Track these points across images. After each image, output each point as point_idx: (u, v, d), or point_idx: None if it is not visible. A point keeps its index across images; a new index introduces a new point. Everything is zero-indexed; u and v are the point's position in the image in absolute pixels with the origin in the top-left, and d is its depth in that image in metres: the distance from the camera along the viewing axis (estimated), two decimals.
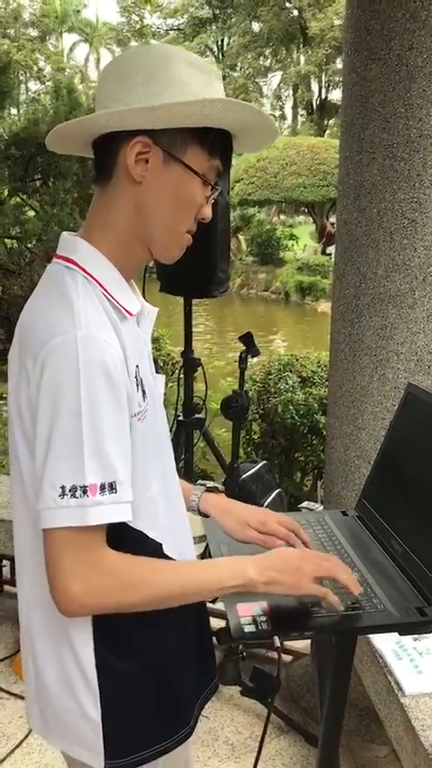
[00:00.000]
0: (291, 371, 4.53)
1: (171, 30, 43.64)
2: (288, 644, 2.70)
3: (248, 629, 1.03)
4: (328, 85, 38.48)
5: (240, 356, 2.28)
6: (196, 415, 2.47)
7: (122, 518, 0.98)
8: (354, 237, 2.15)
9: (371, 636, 1.78)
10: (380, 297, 2.11)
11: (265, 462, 2.51)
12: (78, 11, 43.64)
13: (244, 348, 2.21)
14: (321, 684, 1.24)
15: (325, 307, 19.42)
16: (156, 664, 1.12)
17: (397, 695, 1.72)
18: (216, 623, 1.28)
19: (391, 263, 2.08)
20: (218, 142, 1.07)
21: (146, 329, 1.16)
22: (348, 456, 2.27)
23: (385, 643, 1.86)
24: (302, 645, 2.78)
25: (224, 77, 41.95)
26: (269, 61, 41.50)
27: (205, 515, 1.30)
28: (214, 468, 4.03)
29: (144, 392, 1.06)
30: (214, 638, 1.10)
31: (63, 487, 0.94)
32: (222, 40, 43.11)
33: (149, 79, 1.01)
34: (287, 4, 38.35)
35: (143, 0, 35.87)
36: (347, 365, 2.23)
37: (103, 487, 0.95)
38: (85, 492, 0.94)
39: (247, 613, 1.06)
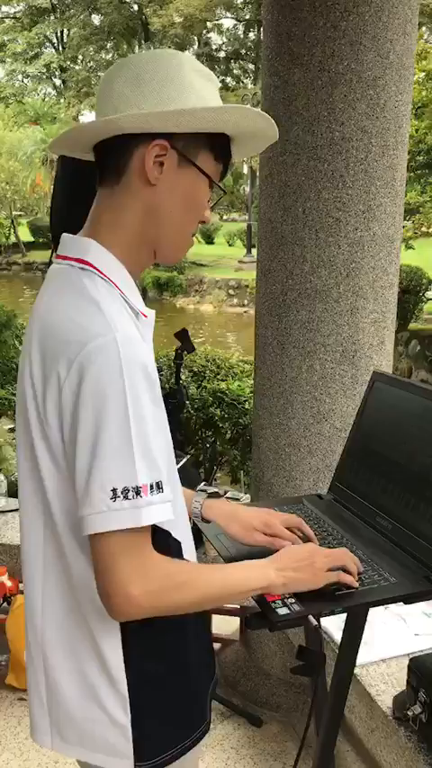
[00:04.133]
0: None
1: (6, 18, 42.02)
2: (216, 631, 2.77)
3: (282, 611, 1.08)
4: None
5: (176, 352, 2.31)
6: None
7: (169, 516, 0.99)
8: (279, 235, 2.24)
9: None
10: (306, 292, 2.22)
11: (189, 456, 2.56)
12: None
13: (180, 344, 2.25)
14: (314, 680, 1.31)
15: (183, 302, 19.68)
16: (180, 663, 1.14)
17: None
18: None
19: (316, 260, 2.19)
20: (224, 147, 1.11)
21: (149, 329, 1.16)
22: (279, 444, 2.37)
23: (329, 620, 1.98)
24: (230, 631, 2.87)
25: (65, 70, 41.27)
26: (111, 55, 41.17)
27: (207, 521, 1.31)
28: None
29: None
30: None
31: (115, 490, 0.93)
32: (62, 32, 42.15)
33: (164, 84, 1.03)
34: None
35: None
36: (276, 358, 2.32)
37: (152, 487, 0.96)
38: (138, 493, 0.94)
39: (275, 597, 1.10)
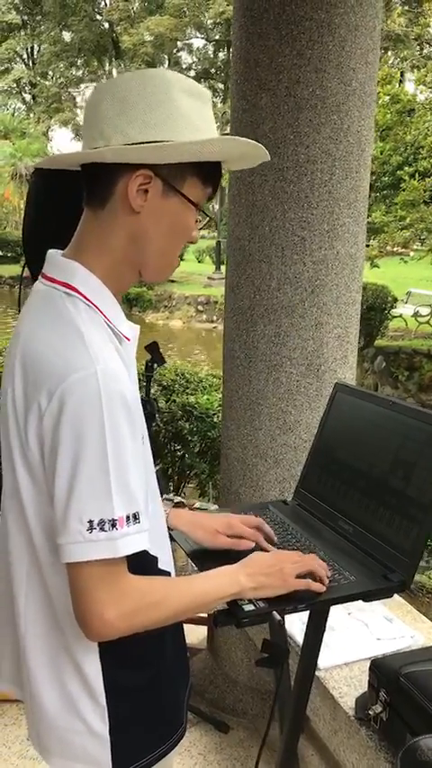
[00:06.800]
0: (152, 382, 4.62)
1: None
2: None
3: (247, 608, 1.13)
4: None
5: (146, 364, 2.37)
6: None
7: (145, 546, 1.02)
8: (247, 253, 2.32)
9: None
10: (273, 307, 2.30)
11: (157, 468, 2.59)
12: None
13: (150, 357, 2.31)
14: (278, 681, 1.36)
15: (152, 318, 19.71)
16: (156, 672, 1.18)
17: None
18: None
19: (282, 277, 2.27)
20: (212, 171, 1.10)
21: (132, 348, 1.17)
22: (246, 455, 2.43)
23: (293, 625, 2.03)
24: (198, 640, 2.90)
25: (35, 85, 41.18)
26: (81, 72, 41.29)
27: (171, 530, 1.33)
28: None
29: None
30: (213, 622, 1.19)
31: (91, 522, 0.96)
32: (32, 47, 42.19)
33: (150, 109, 1.02)
34: (98, 17, 38.44)
35: None
36: (243, 371, 2.39)
37: (128, 519, 0.98)
38: (113, 525, 0.96)
39: None
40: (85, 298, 1.05)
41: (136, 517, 0.99)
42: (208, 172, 1.09)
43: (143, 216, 1.06)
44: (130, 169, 1.04)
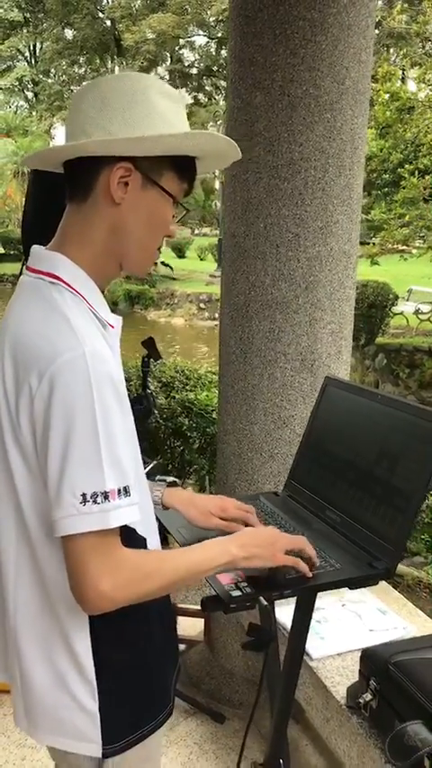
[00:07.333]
0: (150, 377, 4.66)
1: None
2: (182, 632, 2.84)
3: (235, 593, 1.17)
4: None
5: (143, 360, 2.41)
6: None
7: (135, 518, 1.06)
8: (242, 249, 2.35)
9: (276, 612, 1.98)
10: (268, 303, 2.32)
11: (156, 462, 2.63)
12: None
13: (146, 353, 2.35)
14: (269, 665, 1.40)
15: (154, 315, 19.74)
16: (145, 650, 1.22)
17: (305, 660, 1.93)
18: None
19: (277, 273, 2.29)
20: (187, 166, 1.17)
21: (116, 336, 1.21)
22: (242, 449, 2.46)
23: (288, 616, 2.07)
24: (196, 632, 2.94)
25: (37, 83, 41.20)
26: (83, 69, 41.32)
27: (166, 509, 1.39)
28: None
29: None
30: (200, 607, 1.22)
31: (84, 495, 1.00)
32: (35, 45, 42.22)
33: (129, 107, 1.09)
34: (100, 15, 38.45)
35: None
36: (239, 366, 2.43)
37: (119, 492, 1.03)
38: (106, 497, 1.01)
39: (229, 581, 1.20)
40: (69, 286, 1.10)
41: (127, 491, 1.04)
42: (183, 166, 1.16)
43: (124, 207, 1.12)
44: (110, 162, 1.10)
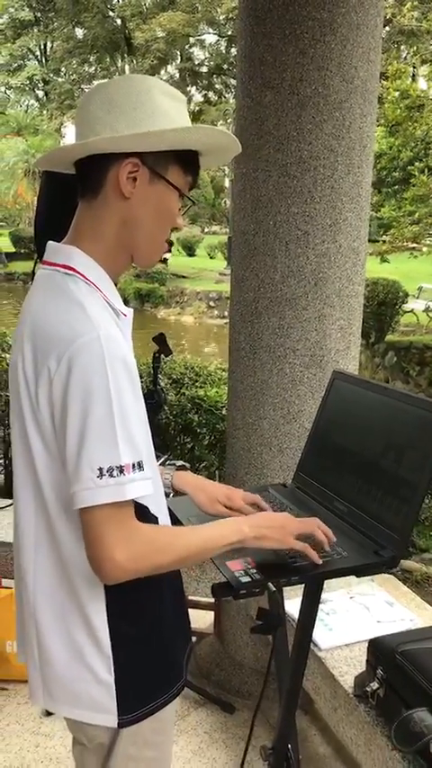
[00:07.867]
0: (160, 374, 4.69)
1: None
2: (192, 625, 2.87)
3: (244, 579, 1.20)
4: None
5: (154, 356, 2.45)
6: None
7: (149, 491, 1.11)
8: (252, 246, 2.38)
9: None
10: (277, 300, 2.36)
11: (167, 457, 2.67)
12: None
13: (157, 348, 2.39)
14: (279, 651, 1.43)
15: (164, 313, 19.78)
16: (159, 625, 1.26)
17: (314, 651, 1.96)
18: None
19: (286, 270, 2.33)
20: (191, 160, 1.24)
21: (129, 325, 1.28)
22: (251, 444, 2.50)
23: (296, 608, 2.11)
24: (206, 625, 2.98)
25: (48, 82, 41.25)
26: (93, 68, 41.38)
27: (177, 492, 1.45)
28: None
29: None
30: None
31: (101, 469, 1.06)
32: (45, 44, 42.33)
33: (135, 107, 1.16)
34: (110, 13, 38.50)
35: None
36: (248, 362, 2.46)
37: (134, 466, 1.08)
38: (121, 471, 1.06)
39: (239, 567, 1.23)
40: (84, 277, 1.17)
41: (140, 465, 1.09)
42: (187, 160, 1.23)
43: (133, 201, 1.19)
44: (119, 159, 1.16)
